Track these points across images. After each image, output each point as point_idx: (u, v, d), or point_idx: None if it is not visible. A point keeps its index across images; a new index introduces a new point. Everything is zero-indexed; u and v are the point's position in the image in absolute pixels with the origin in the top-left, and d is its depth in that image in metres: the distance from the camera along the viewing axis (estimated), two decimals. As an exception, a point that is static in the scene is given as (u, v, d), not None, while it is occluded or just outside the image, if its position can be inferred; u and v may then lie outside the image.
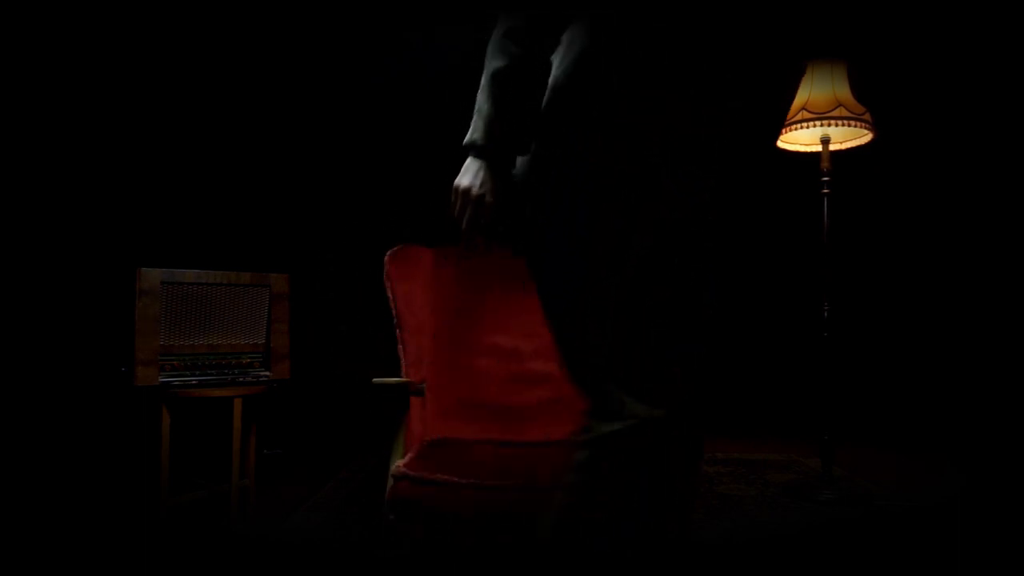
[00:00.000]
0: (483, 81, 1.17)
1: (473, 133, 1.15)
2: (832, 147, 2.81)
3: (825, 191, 2.78)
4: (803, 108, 2.69)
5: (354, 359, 3.92)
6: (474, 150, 1.15)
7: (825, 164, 2.77)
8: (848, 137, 2.82)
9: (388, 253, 2.19)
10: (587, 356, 1.18)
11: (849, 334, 4.05)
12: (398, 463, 1.69)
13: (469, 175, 1.15)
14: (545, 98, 1.14)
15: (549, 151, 1.12)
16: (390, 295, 2.17)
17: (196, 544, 2.25)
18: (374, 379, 1.87)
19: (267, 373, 2.45)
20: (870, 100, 2.76)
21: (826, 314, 2.78)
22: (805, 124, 2.67)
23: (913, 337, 4.33)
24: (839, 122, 2.65)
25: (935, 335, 4.28)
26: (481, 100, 1.15)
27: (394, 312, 2.17)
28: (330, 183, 4.24)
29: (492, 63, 1.15)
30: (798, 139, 2.86)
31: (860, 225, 4.33)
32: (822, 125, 2.66)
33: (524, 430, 2.09)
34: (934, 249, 4.32)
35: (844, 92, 2.69)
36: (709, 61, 1.10)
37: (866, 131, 2.74)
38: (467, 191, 1.15)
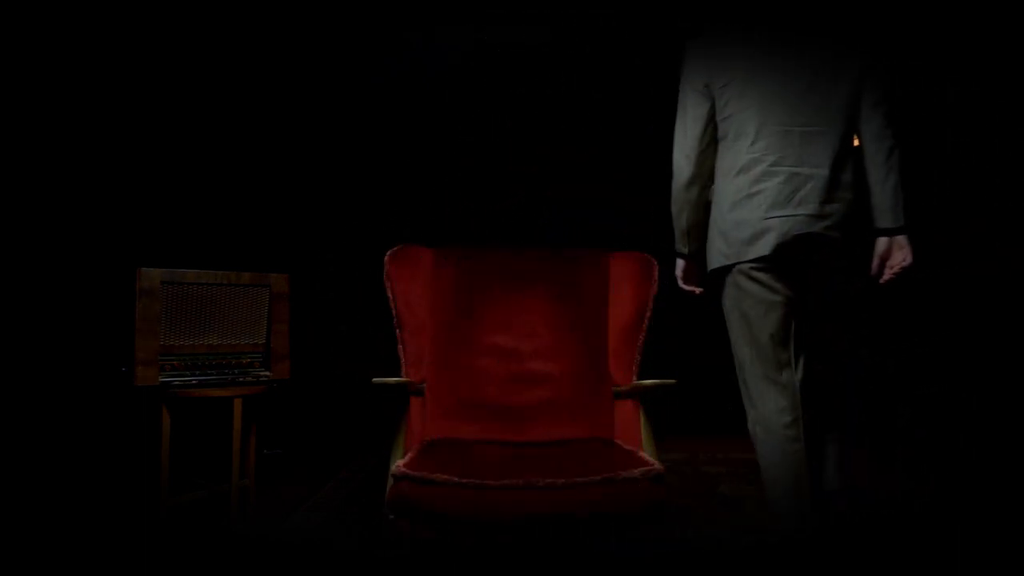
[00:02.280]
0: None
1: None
2: (832, 147, 2.81)
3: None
4: (803, 108, 2.68)
5: (354, 359, 3.92)
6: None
7: (825, 164, 2.76)
8: (848, 137, 2.82)
9: (388, 253, 2.19)
10: None
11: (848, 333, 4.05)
12: (398, 463, 1.69)
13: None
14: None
15: None
16: (390, 295, 2.17)
17: (196, 544, 2.25)
18: (374, 379, 1.87)
19: (267, 373, 2.45)
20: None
21: (826, 314, 2.77)
22: (805, 124, 2.67)
23: (913, 336, 4.32)
24: (839, 122, 2.64)
25: (935, 334, 4.28)
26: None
27: (394, 312, 2.17)
28: (330, 183, 4.24)
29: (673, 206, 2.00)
30: (798, 139, 2.86)
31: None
32: (822, 125, 2.65)
33: (524, 430, 2.09)
34: (933, 249, 4.32)
35: (844, 92, 2.69)
36: None
37: (866, 131, 2.73)
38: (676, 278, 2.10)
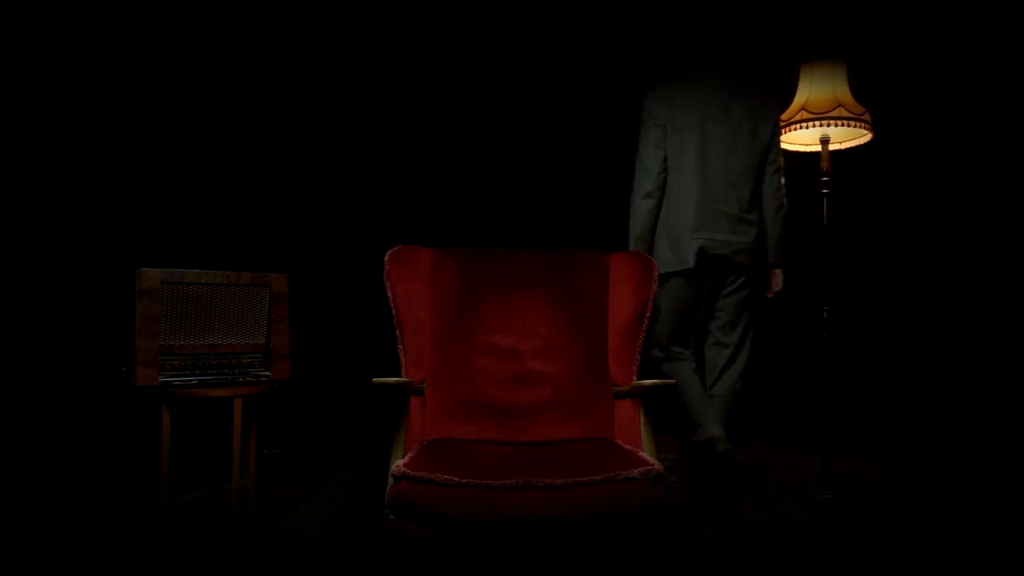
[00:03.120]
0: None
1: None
2: (832, 147, 2.81)
3: (825, 191, 2.78)
4: (803, 108, 2.69)
5: (354, 359, 3.92)
6: None
7: (825, 164, 2.77)
8: (848, 137, 2.82)
9: (388, 253, 2.19)
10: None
11: (849, 334, 4.05)
12: (398, 463, 1.69)
13: None
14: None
15: None
16: (390, 295, 2.17)
17: (196, 544, 2.25)
18: (374, 379, 1.87)
19: (267, 373, 2.45)
20: (870, 100, 2.76)
21: (826, 314, 2.77)
22: (805, 124, 2.67)
23: (913, 337, 4.33)
24: (839, 122, 2.65)
25: (935, 335, 4.29)
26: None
27: (394, 312, 2.17)
28: (330, 183, 4.24)
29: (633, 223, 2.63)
30: (798, 139, 2.86)
31: (860, 225, 4.33)
32: (822, 125, 2.66)
33: (524, 430, 2.09)
34: (934, 249, 4.32)
35: (844, 92, 2.69)
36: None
37: (866, 131, 2.74)
38: None
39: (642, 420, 2.02)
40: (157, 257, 2.81)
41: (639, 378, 2.17)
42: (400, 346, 2.17)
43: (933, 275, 4.31)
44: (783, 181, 2.63)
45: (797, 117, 2.70)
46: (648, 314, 2.21)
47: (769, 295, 2.81)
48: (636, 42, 4.08)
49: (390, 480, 1.69)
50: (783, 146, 2.92)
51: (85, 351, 3.23)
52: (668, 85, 2.56)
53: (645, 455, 1.84)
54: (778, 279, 2.77)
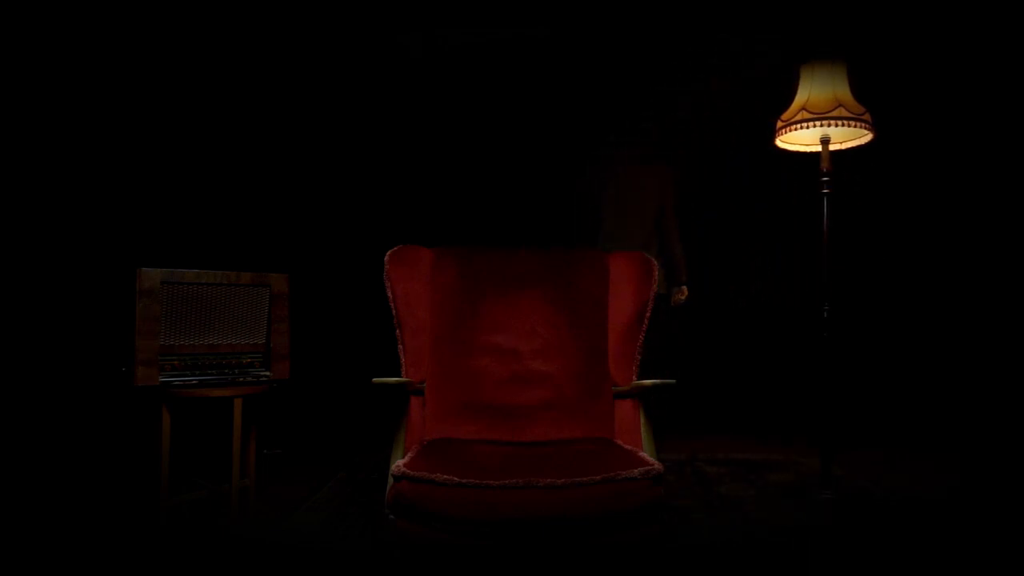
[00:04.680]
0: None
1: None
2: (832, 147, 2.81)
3: (825, 191, 2.78)
4: (803, 108, 2.69)
5: (354, 359, 3.92)
6: None
7: (825, 164, 2.77)
8: (848, 137, 2.82)
9: (388, 253, 2.19)
10: None
11: (849, 334, 4.05)
12: (398, 463, 1.69)
13: None
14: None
15: None
16: (390, 295, 2.17)
17: (196, 544, 2.25)
18: (374, 379, 1.86)
19: (267, 373, 2.45)
20: (870, 100, 2.76)
21: (826, 314, 2.77)
22: (805, 124, 2.67)
23: (913, 337, 4.33)
24: (839, 122, 2.64)
25: (935, 335, 4.29)
26: None
27: (394, 312, 2.17)
28: (330, 183, 4.24)
29: None
30: (798, 139, 2.86)
31: (860, 225, 4.33)
32: (822, 125, 2.66)
33: (524, 430, 2.09)
34: (934, 249, 4.32)
35: (844, 92, 2.69)
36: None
37: (866, 131, 2.73)
38: None
39: (642, 420, 2.02)
40: (157, 257, 2.81)
41: (639, 378, 2.17)
42: (400, 346, 2.17)
43: (933, 275, 4.31)
44: (675, 218, 3.65)
45: (797, 117, 2.70)
46: (648, 314, 2.21)
47: (673, 303, 3.73)
48: (636, 42, 4.08)
49: (390, 480, 1.69)
50: (783, 147, 2.93)
51: (85, 351, 3.23)
52: (595, 171, 3.76)
53: (645, 455, 1.84)
54: (682, 292, 3.71)
